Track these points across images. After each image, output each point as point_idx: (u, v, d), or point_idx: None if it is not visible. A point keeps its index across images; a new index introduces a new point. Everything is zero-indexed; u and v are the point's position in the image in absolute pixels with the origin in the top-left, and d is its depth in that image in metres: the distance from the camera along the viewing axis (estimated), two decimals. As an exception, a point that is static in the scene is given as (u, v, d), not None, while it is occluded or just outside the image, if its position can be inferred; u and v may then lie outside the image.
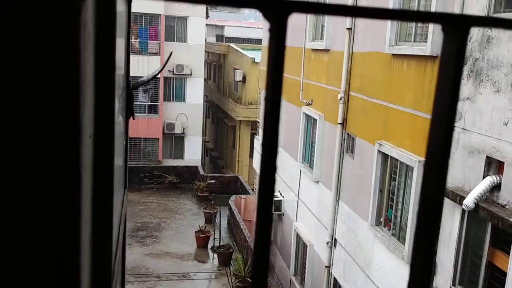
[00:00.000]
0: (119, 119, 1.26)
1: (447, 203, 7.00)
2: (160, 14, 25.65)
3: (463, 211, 6.59)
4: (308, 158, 13.18)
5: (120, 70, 1.27)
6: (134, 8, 24.83)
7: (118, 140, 1.11)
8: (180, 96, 27.18)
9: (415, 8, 8.41)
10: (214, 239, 17.70)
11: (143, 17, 25.49)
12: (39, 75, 0.44)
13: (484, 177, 6.27)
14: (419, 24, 8.39)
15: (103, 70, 0.67)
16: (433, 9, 7.59)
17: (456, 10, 7.04)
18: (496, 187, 6.11)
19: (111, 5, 0.72)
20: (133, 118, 1.60)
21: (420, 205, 0.42)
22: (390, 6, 8.83)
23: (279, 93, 0.32)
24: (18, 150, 0.46)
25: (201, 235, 17.80)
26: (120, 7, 1.19)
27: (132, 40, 24.01)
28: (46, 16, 0.43)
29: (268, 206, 0.40)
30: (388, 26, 8.90)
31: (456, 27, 0.32)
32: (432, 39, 7.58)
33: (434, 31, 7.56)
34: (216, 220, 18.40)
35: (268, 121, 0.32)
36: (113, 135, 0.78)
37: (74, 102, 0.46)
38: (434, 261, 7.18)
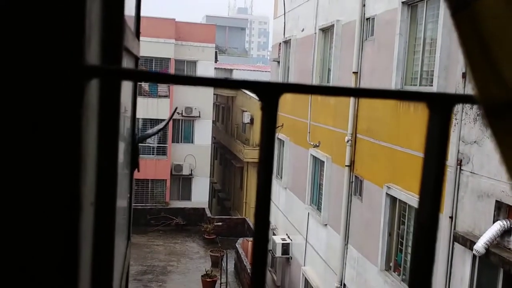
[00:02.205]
0: (124, 171, 1.28)
1: (458, 248, 6.86)
2: (170, 58, 26.22)
3: (474, 256, 6.46)
4: (316, 201, 13.08)
5: (126, 124, 1.31)
6: (145, 52, 25.40)
7: (122, 195, 1.12)
8: (188, 138, 27.39)
9: (420, 56, 8.53)
10: (220, 283, 17.35)
11: (153, 60, 26.05)
12: (40, 150, 0.46)
13: (494, 222, 6.17)
14: (425, 68, 8.50)
15: (106, 142, 0.69)
16: (437, 56, 7.70)
17: (460, 57, 7.13)
18: (507, 232, 6.01)
19: (116, 85, 0.75)
20: (138, 171, 1.62)
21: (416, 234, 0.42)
22: (395, 56, 8.98)
23: (270, 166, 0.34)
24: (21, 220, 0.48)
25: (208, 280, 17.48)
26: (128, 64, 1.24)
27: (143, 83, 24.44)
28: (51, 97, 0.46)
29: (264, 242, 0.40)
30: (394, 69, 9.02)
31: (441, 105, 0.34)
32: (438, 83, 7.65)
33: (440, 75, 7.64)
34: (223, 263, 18.10)
35: (260, 194, 0.33)
36: (114, 200, 0.80)
37: (75, 174, 0.48)
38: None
